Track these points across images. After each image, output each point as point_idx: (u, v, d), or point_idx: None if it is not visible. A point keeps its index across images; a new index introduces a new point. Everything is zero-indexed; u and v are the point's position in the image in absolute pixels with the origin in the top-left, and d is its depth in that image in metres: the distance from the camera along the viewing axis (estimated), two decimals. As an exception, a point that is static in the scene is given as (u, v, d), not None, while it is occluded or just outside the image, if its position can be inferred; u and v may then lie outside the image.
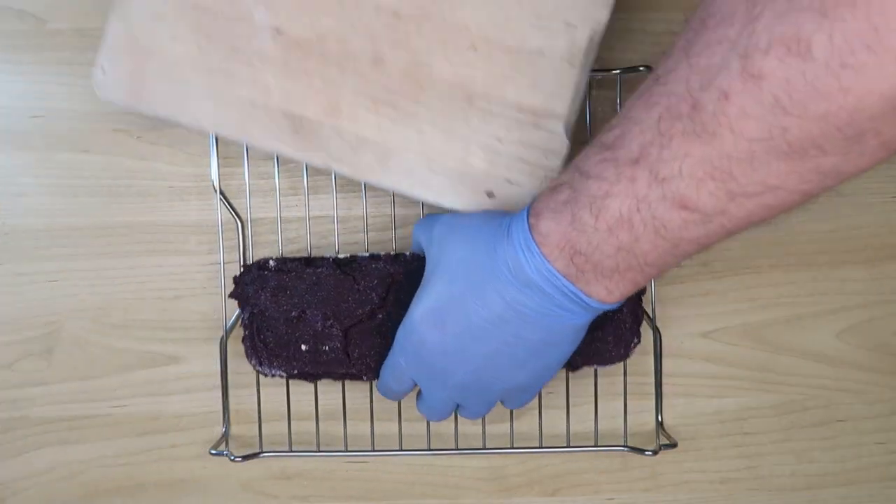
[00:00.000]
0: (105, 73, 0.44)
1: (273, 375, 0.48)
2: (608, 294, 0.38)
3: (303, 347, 0.47)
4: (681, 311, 0.52)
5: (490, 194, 0.44)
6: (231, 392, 0.51)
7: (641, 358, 0.51)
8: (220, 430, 0.52)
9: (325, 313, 0.46)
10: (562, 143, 0.43)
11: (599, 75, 0.48)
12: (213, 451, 0.50)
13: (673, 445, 0.49)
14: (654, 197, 0.33)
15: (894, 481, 0.53)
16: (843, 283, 0.52)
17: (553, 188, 0.38)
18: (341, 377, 0.48)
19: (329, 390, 0.51)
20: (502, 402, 0.46)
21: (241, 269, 0.48)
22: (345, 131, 0.44)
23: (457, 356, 0.41)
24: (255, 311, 0.47)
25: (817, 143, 0.29)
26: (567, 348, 0.42)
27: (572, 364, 0.47)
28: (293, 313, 0.46)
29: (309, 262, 0.47)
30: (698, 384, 0.52)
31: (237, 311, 0.48)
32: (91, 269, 0.51)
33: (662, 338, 0.50)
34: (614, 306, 0.39)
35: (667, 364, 0.52)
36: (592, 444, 0.51)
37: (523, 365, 0.42)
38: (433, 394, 0.44)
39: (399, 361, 0.44)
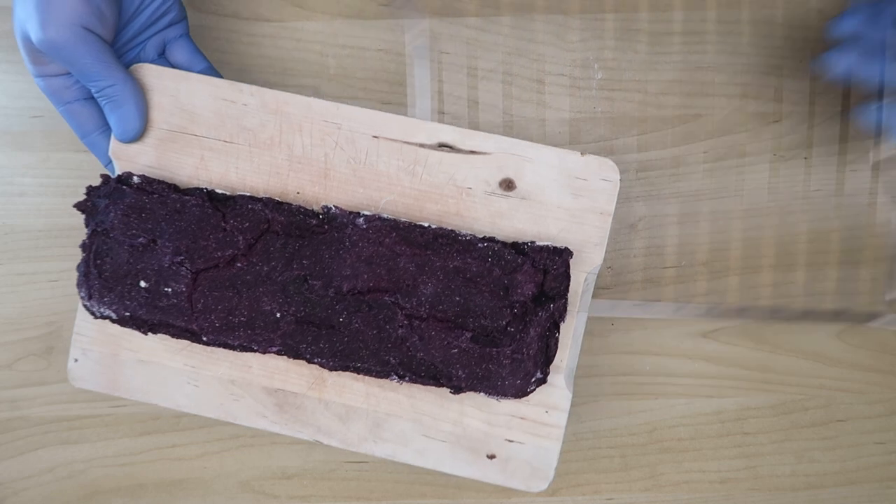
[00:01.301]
0: (78, 362, 0.44)
1: (101, 317, 0.41)
2: None
3: (142, 284, 0.40)
4: (681, 311, 0.52)
5: (491, 456, 0.42)
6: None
7: (638, 357, 0.51)
8: (219, 429, 0.52)
9: (177, 247, 0.39)
10: (563, 397, 0.41)
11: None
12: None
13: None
14: None
15: (894, 481, 0.53)
16: (842, 283, 0.52)
17: None
18: (178, 333, 0.41)
19: (329, 390, 0.51)
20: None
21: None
22: (331, 402, 0.42)
23: None
24: (98, 230, 0.40)
25: None
26: None
27: (455, 382, 0.40)
28: (141, 239, 0.40)
29: (179, 189, 0.41)
30: (698, 384, 0.52)
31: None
32: (91, 269, 0.51)
33: (662, 338, 0.50)
34: None
35: (667, 364, 0.52)
36: (591, 444, 0.51)
37: None
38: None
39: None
